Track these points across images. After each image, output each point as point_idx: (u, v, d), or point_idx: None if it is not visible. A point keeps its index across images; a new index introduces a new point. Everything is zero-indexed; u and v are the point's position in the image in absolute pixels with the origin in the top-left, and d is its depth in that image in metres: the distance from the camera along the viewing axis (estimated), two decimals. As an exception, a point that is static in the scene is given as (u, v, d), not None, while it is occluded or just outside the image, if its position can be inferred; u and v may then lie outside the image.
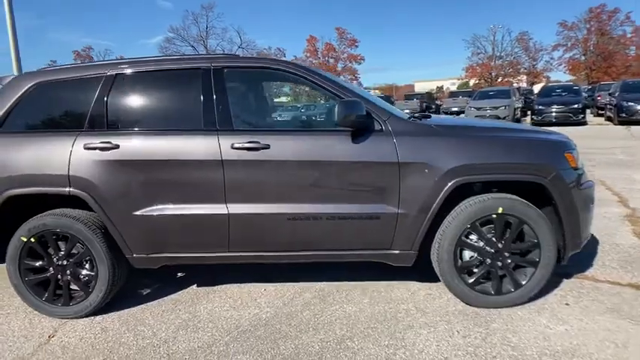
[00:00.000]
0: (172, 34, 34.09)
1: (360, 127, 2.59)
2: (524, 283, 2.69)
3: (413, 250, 2.71)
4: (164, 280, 3.39)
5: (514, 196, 2.63)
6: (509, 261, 2.67)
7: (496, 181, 2.69)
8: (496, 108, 15.60)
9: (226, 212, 2.70)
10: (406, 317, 2.69)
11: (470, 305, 2.75)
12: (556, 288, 2.95)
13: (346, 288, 3.13)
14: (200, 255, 2.83)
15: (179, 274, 3.56)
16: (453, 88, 44.76)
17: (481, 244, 2.67)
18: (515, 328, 2.51)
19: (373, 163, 2.62)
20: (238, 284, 3.28)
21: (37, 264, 2.85)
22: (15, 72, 11.25)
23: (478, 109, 15.91)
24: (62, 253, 2.84)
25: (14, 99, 2.87)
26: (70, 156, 2.71)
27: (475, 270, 2.72)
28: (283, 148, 2.65)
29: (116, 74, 2.83)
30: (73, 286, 2.89)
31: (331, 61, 46.54)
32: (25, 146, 2.79)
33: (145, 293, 3.24)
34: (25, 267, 2.84)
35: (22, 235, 2.79)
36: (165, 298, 3.13)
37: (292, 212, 2.68)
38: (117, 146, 2.70)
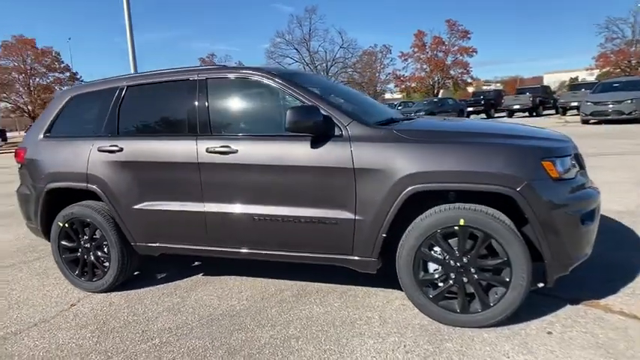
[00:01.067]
0: (279, 38, 36.02)
1: (317, 133, 2.61)
2: (492, 304, 2.43)
3: (373, 258, 2.64)
4: (179, 268, 3.80)
5: (479, 207, 2.39)
6: (477, 278, 2.45)
7: (467, 191, 2.47)
8: (619, 102, 13.42)
9: (203, 210, 2.96)
10: (363, 325, 2.64)
11: (434, 320, 2.59)
12: (550, 313, 2.60)
13: (327, 290, 3.16)
14: (185, 247, 3.14)
15: (196, 262, 3.95)
16: (592, 79, 39.24)
17: (445, 257, 2.50)
18: (469, 351, 2.30)
19: (329, 168, 2.61)
20: (238, 277, 3.53)
21: (70, 245, 3.45)
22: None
23: (596, 103, 13.87)
24: (86, 237, 3.40)
25: (58, 110, 3.52)
26: (88, 157, 3.24)
27: (440, 284, 2.54)
28: (249, 152, 2.80)
29: (127, 86, 3.29)
30: (98, 266, 3.44)
31: (440, 54, 44.53)
32: (62, 148, 3.40)
33: (159, 277, 3.67)
34: (62, 247, 3.47)
35: (59, 221, 3.42)
36: (170, 283, 3.53)
37: (257, 213, 2.82)
38: (121, 149, 3.15)
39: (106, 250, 3.36)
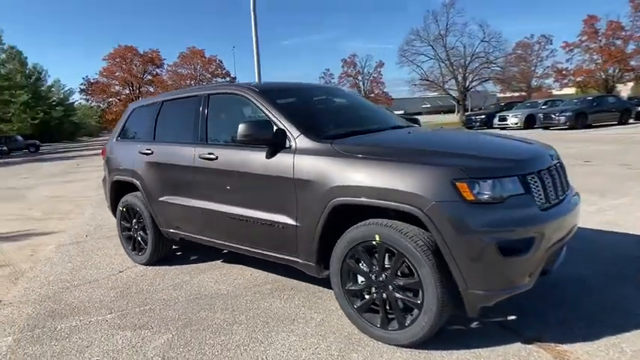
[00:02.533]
0: (412, 35, 34.98)
1: (268, 145, 2.90)
2: (407, 324, 2.40)
3: (313, 263, 2.81)
4: (208, 253, 4.44)
5: (395, 224, 2.37)
6: (396, 295, 2.44)
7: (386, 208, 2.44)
8: None
9: (197, 206, 3.50)
10: (300, 324, 2.83)
11: (361, 331, 2.64)
12: (486, 347, 2.42)
13: (301, 289, 3.40)
14: (189, 234, 3.74)
15: (224, 250, 4.56)
16: None
17: (368, 271, 2.54)
18: (367, 364, 2.34)
19: (275, 177, 2.87)
20: (244, 266, 4.01)
21: (126, 225, 4.39)
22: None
23: None
24: (135, 220, 4.29)
25: (125, 118, 4.48)
26: (134, 157, 4.08)
27: (366, 296, 2.59)
28: (226, 159, 3.22)
29: (162, 101, 4.04)
30: (142, 243, 4.30)
31: (618, 42, 37.65)
32: (123, 149, 4.34)
33: (190, 258, 4.38)
34: (122, 226, 4.43)
35: (119, 206, 4.39)
36: (194, 264, 4.19)
37: (229, 212, 3.23)
38: (152, 152, 3.90)
39: (146, 232, 4.18)
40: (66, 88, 65.94)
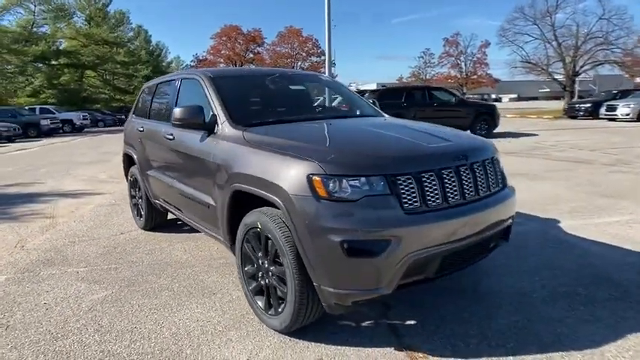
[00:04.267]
0: (516, 13, 31.30)
1: (201, 129, 3.09)
2: (280, 311, 2.47)
3: (228, 243, 2.98)
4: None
5: (271, 213, 2.42)
6: (273, 282, 2.52)
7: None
8: None
9: (164, 181, 3.86)
10: (215, 297, 3.04)
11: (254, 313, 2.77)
12: (356, 346, 2.40)
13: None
14: (164, 206, 4.12)
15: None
16: None
17: (256, 256, 2.64)
18: (208, 349, 2.47)
19: (203, 160, 3.06)
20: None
21: (133, 193, 4.96)
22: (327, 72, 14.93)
23: None
24: (137, 189, 4.83)
25: (139, 96, 5.00)
26: (134, 133, 4.58)
27: (258, 280, 2.70)
28: (178, 140, 3.50)
29: (157, 84, 4.44)
30: (142, 210, 4.83)
31: None
32: (132, 124, 4.86)
33: (184, 228, 4.81)
34: (130, 194, 5.02)
35: (129, 176, 4.97)
36: (180, 234, 4.60)
37: (180, 189, 3.52)
38: (143, 130, 4.34)
39: (143, 200, 4.70)
40: (184, 65, 72.74)
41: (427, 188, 2.24)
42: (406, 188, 2.19)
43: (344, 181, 2.15)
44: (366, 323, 2.66)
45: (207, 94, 3.27)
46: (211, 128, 3.07)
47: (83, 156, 12.97)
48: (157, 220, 4.72)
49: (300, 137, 2.66)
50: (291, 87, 3.83)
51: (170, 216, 4.52)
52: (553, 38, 29.45)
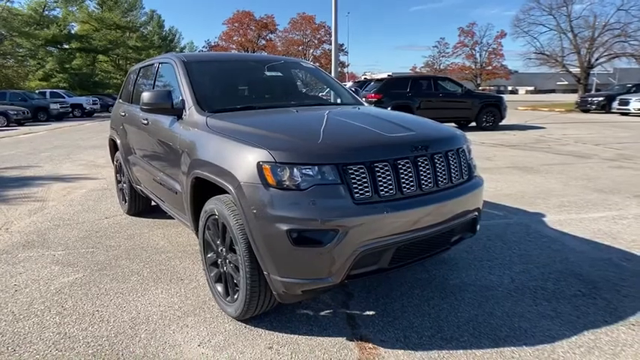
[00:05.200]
0: (532, 3, 30.49)
1: (169, 114, 3.07)
2: (235, 298, 2.47)
3: (194, 229, 2.98)
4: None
5: (226, 200, 2.40)
6: (229, 270, 2.51)
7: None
8: None
9: (142, 166, 3.86)
10: (182, 283, 3.06)
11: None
12: (309, 335, 2.40)
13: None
14: (144, 191, 4.13)
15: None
16: None
17: (215, 243, 2.64)
18: (162, 333, 2.49)
19: (170, 145, 3.06)
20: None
21: (119, 179, 4.98)
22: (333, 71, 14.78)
23: None
24: (119, 175, 4.85)
25: (125, 81, 4.99)
26: (118, 117, 4.58)
27: (217, 267, 2.70)
28: (151, 125, 3.49)
29: (140, 67, 4.42)
30: (126, 195, 4.87)
31: None
32: (117, 109, 4.86)
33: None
34: (116, 179, 5.06)
35: (114, 161, 5.00)
36: (162, 220, 4.62)
37: (153, 174, 3.53)
38: (125, 115, 4.34)
39: (127, 186, 4.73)
40: (197, 50, 72.68)
41: (380, 178, 2.20)
42: (357, 178, 2.15)
43: (294, 169, 2.11)
44: (324, 312, 2.65)
45: (178, 78, 3.25)
46: (179, 113, 3.05)
47: (87, 140, 13.10)
48: (140, 205, 4.75)
49: (259, 124, 2.63)
50: (267, 73, 3.78)
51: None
52: (569, 29, 28.73)
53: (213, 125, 2.69)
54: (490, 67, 58.10)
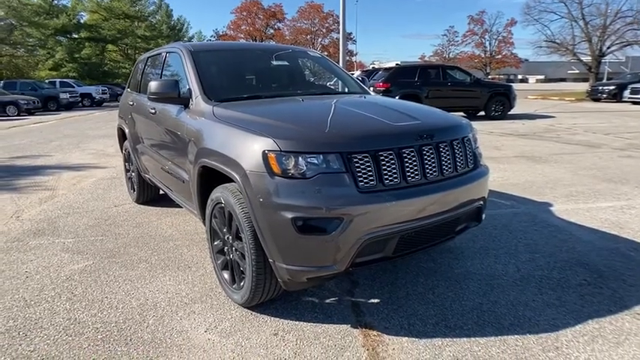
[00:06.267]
0: None
1: (176, 103, 3.08)
2: (241, 285, 2.50)
3: (201, 217, 3.01)
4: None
5: (233, 189, 2.42)
6: (235, 257, 2.54)
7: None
8: None
9: (150, 155, 3.89)
10: (189, 270, 3.10)
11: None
12: (314, 322, 2.43)
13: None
14: (151, 179, 4.17)
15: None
16: None
17: (222, 231, 2.67)
18: (172, 320, 2.53)
19: (177, 134, 3.08)
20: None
21: (127, 167, 5.03)
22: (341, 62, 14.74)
23: None
24: (128, 164, 4.90)
25: (133, 70, 5.01)
26: (126, 107, 4.61)
27: (225, 255, 2.73)
28: (158, 114, 3.51)
29: (148, 57, 4.43)
30: (134, 184, 4.92)
31: None
32: (125, 98, 4.88)
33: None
34: (125, 168, 5.10)
35: (123, 150, 5.04)
36: (170, 208, 4.67)
37: (161, 163, 3.56)
38: (133, 104, 4.37)
39: (135, 174, 4.77)
40: (205, 39, 72.48)
41: (385, 167, 2.20)
42: (362, 166, 2.16)
43: (299, 158, 2.12)
44: (329, 300, 2.67)
45: (185, 67, 3.26)
46: (186, 102, 3.06)
47: (97, 130, 13.21)
48: (149, 193, 4.80)
49: (265, 113, 2.63)
50: (274, 63, 3.77)
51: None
52: (580, 17, 28.17)
53: (220, 114, 2.70)
54: (500, 56, 57.32)
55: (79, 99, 25.99)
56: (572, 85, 50.31)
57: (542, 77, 79.74)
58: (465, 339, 2.23)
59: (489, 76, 52.28)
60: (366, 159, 2.17)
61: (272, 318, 2.47)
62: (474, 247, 3.42)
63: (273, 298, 2.56)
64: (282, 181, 2.13)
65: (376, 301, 2.65)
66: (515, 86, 15.25)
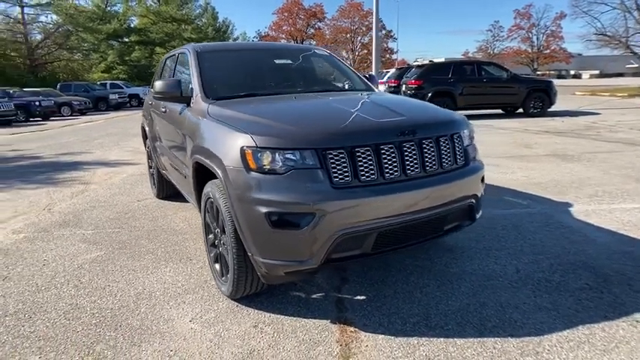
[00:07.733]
0: None
1: (180, 102, 3.22)
2: (228, 277, 2.58)
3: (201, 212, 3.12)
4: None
5: (218, 183, 2.49)
6: (224, 252, 2.62)
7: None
8: None
9: (163, 152, 4.07)
10: (190, 262, 3.23)
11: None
12: (296, 316, 2.46)
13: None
14: (167, 175, 4.36)
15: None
16: None
17: (212, 225, 2.75)
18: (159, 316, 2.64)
19: (178, 131, 3.21)
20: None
21: (149, 164, 5.28)
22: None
23: None
24: (150, 160, 5.13)
25: (159, 67, 5.22)
26: (147, 106, 4.84)
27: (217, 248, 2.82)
28: (168, 113, 3.67)
29: (166, 58, 4.63)
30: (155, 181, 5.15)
31: None
32: (147, 97, 5.13)
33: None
34: (148, 164, 5.36)
35: (146, 147, 5.29)
36: (188, 203, 4.87)
37: (171, 159, 3.71)
38: (152, 103, 4.58)
39: (155, 170, 5.00)
40: (249, 40, 74.08)
41: (361, 163, 2.20)
42: (337, 162, 2.17)
43: (275, 154, 2.16)
44: (315, 295, 2.70)
45: (190, 67, 3.39)
46: (188, 101, 3.18)
47: (138, 128, 13.85)
48: (167, 189, 5.00)
49: (253, 111, 2.69)
50: (276, 61, 3.83)
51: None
52: (634, 7, 26.24)
53: (213, 112, 2.79)
54: (548, 51, 54.63)
55: (127, 99, 27.38)
56: (630, 80, 46.98)
57: (596, 72, 75.17)
58: (442, 339, 2.19)
59: (537, 72, 49.88)
60: (341, 155, 2.17)
61: (255, 310, 2.53)
62: (477, 247, 3.32)
63: (258, 292, 2.62)
64: (257, 177, 2.18)
65: (362, 297, 2.65)
66: (567, 82, 14.49)
